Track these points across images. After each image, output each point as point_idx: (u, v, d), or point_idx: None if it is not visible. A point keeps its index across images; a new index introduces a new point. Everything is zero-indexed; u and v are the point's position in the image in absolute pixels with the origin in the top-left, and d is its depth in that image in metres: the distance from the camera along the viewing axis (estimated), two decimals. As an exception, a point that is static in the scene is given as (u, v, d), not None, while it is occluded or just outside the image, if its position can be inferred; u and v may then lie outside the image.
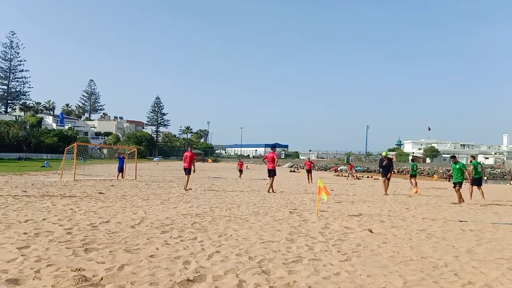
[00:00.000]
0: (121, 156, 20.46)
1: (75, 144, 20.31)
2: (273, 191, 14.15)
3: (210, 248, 5.07)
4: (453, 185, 12.99)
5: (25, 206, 8.35)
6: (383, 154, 16.46)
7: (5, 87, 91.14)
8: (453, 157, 13.39)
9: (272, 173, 14.24)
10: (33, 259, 4.24)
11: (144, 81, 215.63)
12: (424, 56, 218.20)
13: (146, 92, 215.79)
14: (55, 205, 8.69)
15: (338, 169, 56.55)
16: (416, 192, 16.30)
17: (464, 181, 13.08)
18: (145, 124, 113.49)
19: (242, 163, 28.69)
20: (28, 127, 66.42)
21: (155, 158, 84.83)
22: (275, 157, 14.28)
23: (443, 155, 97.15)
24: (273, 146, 15.09)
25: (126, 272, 3.91)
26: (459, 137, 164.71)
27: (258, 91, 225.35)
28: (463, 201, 12.42)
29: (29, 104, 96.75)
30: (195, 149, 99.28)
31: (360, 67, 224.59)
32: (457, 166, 12.80)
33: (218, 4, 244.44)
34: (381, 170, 16.11)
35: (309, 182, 22.61)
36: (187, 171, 14.44)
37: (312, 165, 25.29)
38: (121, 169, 19.71)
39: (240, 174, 27.03)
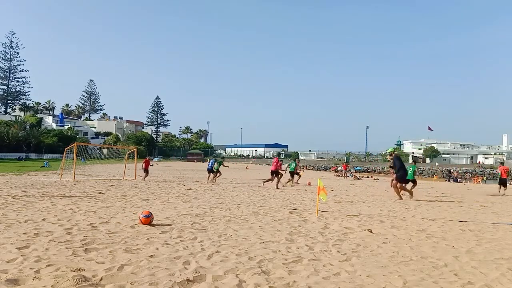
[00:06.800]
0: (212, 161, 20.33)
1: (74, 144, 20.29)
2: (277, 187, 16.36)
3: (210, 248, 5.07)
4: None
5: (25, 206, 8.36)
6: (389, 150, 14.27)
7: (5, 87, 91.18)
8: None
9: (274, 173, 17.25)
10: (33, 259, 4.24)
11: (144, 81, 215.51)
12: (424, 56, 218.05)
13: (146, 92, 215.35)
14: (55, 205, 8.69)
15: (338, 169, 56.55)
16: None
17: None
18: (145, 124, 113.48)
19: (148, 161, 21.20)
20: (28, 127, 66.46)
21: (155, 158, 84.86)
22: (278, 161, 17.71)
23: (443, 155, 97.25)
24: (278, 154, 19.16)
25: (126, 272, 3.91)
26: (459, 137, 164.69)
27: (258, 91, 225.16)
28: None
29: (29, 104, 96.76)
30: (195, 149, 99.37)
31: (360, 67, 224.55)
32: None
33: (218, 5, 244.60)
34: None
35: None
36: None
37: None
38: (210, 171, 19.44)
39: (146, 175, 20.18)
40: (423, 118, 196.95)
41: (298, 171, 20.91)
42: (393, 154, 13.62)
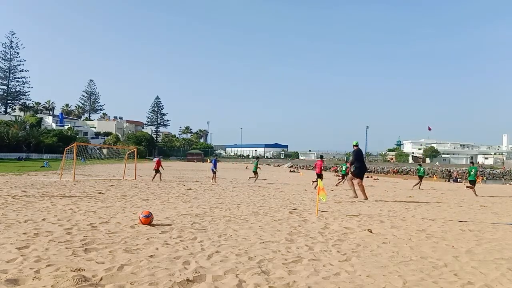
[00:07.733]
0: (215, 158, 20.56)
1: (74, 144, 20.29)
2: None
3: (210, 248, 5.06)
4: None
5: (25, 206, 8.35)
6: (354, 143, 13.12)
7: (5, 87, 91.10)
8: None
9: (319, 176, 16.76)
10: (33, 259, 4.24)
11: (144, 81, 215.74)
12: (424, 56, 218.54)
13: (146, 92, 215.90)
14: (54, 205, 8.69)
15: (338, 169, 56.53)
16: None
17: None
18: (145, 124, 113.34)
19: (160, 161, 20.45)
20: (27, 127, 66.42)
21: (154, 158, 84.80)
22: (322, 164, 17.17)
23: (443, 155, 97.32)
24: (321, 156, 18.25)
25: (125, 272, 3.91)
26: (459, 137, 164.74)
27: (258, 91, 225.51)
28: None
29: (28, 104, 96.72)
30: (195, 149, 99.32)
31: (360, 67, 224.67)
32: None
33: (218, 5, 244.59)
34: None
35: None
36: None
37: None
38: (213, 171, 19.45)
39: (155, 175, 19.57)
40: (423, 118, 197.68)
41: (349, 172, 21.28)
42: (355, 147, 12.91)
